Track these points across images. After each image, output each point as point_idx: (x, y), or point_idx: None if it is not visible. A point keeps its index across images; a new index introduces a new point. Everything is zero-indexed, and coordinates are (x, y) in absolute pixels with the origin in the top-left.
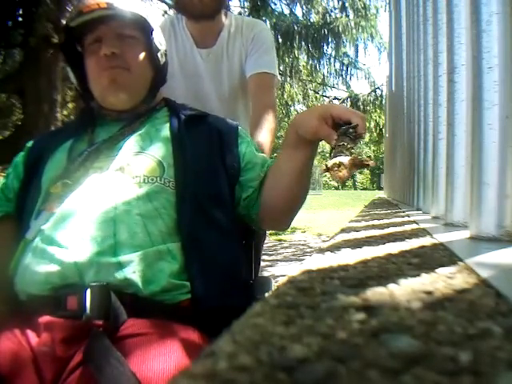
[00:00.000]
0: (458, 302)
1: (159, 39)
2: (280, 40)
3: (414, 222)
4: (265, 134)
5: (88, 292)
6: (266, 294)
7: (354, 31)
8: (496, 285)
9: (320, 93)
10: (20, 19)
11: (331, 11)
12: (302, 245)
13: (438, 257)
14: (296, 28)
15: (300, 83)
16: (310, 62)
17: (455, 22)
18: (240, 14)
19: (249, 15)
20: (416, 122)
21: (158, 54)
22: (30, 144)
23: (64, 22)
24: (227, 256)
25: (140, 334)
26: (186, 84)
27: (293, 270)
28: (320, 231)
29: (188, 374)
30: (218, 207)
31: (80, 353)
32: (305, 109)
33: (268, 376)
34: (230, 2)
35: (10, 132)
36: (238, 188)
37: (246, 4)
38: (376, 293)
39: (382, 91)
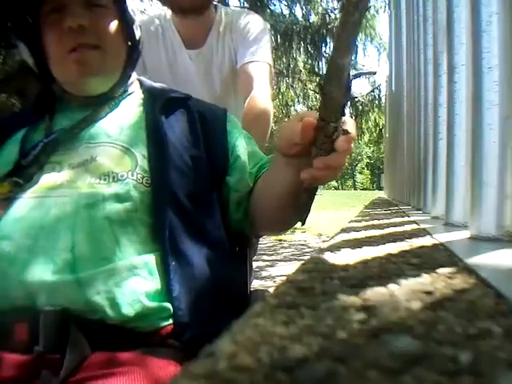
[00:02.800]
0: (458, 302)
1: (132, 8)
2: (279, 40)
3: (414, 222)
4: (255, 125)
5: (41, 319)
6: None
7: None
8: (496, 285)
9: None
10: None
11: (331, 11)
12: (302, 245)
13: (438, 257)
14: (295, 28)
15: (300, 83)
16: (310, 62)
17: (455, 22)
18: None
19: None
20: (416, 122)
21: (134, 27)
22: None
23: None
24: (216, 268)
25: (106, 375)
26: (176, 85)
27: (293, 269)
28: (320, 231)
29: (188, 374)
30: (203, 209)
31: None
32: (305, 109)
33: (268, 376)
34: (230, 2)
35: None
36: (224, 187)
37: (246, 4)
38: (376, 293)
39: (380, 91)
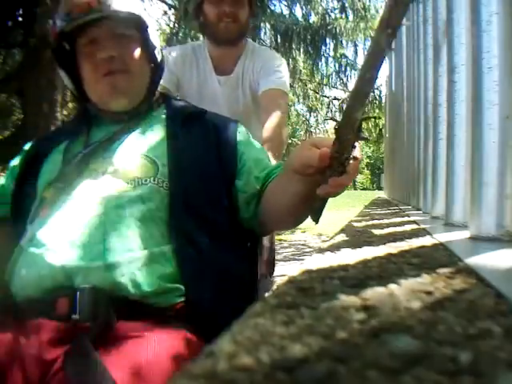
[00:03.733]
0: (458, 302)
1: (154, 36)
2: (279, 40)
3: (414, 222)
4: (270, 141)
5: (77, 295)
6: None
7: (354, 32)
8: (496, 285)
9: (320, 93)
10: (20, 19)
11: (331, 11)
12: (302, 245)
13: (438, 257)
14: (295, 29)
15: (300, 83)
16: (310, 62)
17: (455, 21)
18: None
19: None
20: (416, 122)
21: (155, 52)
22: (27, 146)
23: (52, 22)
24: (223, 259)
25: (129, 337)
26: (202, 105)
27: (293, 269)
28: (320, 231)
29: (188, 374)
30: (213, 209)
31: (70, 357)
32: (305, 109)
33: (268, 376)
34: None
35: (10, 132)
36: (234, 190)
37: None
38: (376, 293)
39: (380, 92)
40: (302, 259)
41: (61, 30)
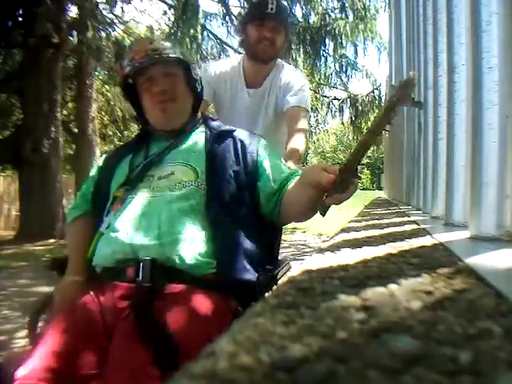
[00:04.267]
0: (458, 302)
1: (195, 72)
2: None
3: (414, 222)
4: (293, 151)
5: (141, 266)
6: (284, 275)
7: (354, 32)
8: (496, 285)
9: (320, 93)
10: (20, 19)
11: (331, 11)
12: (302, 245)
13: (438, 257)
14: (294, 29)
15: None
16: (309, 62)
17: (455, 22)
18: (240, 14)
19: None
20: (416, 122)
21: (196, 84)
22: (102, 158)
23: (120, 66)
24: (245, 242)
25: (175, 295)
26: (233, 113)
27: (293, 269)
28: (320, 231)
29: (188, 374)
30: (239, 205)
31: (134, 310)
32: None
33: (268, 376)
34: (230, 2)
35: (10, 132)
36: (256, 189)
37: (246, 5)
38: (376, 293)
39: (380, 92)
40: (302, 259)
41: (127, 73)
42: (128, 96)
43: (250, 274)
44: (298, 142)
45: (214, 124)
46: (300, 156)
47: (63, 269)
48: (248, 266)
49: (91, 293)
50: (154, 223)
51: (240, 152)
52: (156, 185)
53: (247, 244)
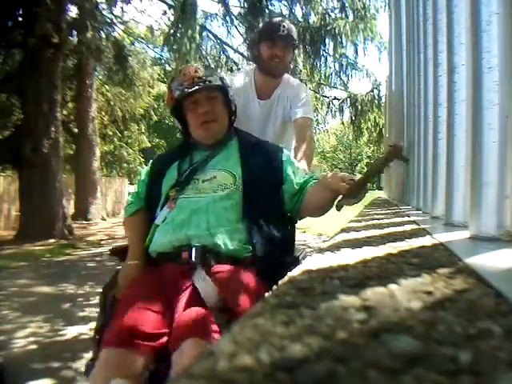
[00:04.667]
0: (458, 302)
1: (231, 94)
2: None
3: (414, 222)
4: (303, 156)
5: (193, 250)
6: (303, 257)
7: (354, 31)
8: (496, 285)
9: (320, 93)
10: (20, 19)
11: (331, 11)
12: (302, 245)
13: (438, 257)
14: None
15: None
16: (309, 62)
17: (455, 22)
18: (240, 14)
19: (246, 16)
20: (416, 122)
21: (232, 105)
22: (151, 162)
23: (170, 90)
24: (273, 232)
25: (221, 273)
26: (246, 122)
27: (293, 269)
28: (320, 231)
29: (188, 374)
30: (267, 203)
31: (189, 281)
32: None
33: (268, 376)
34: (230, 2)
35: (10, 132)
36: (281, 191)
37: (245, 5)
38: (376, 293)
39: (379, 91)
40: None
41: (176, 96)
42: (175, 113)
43: (277, 256)
44: (306, 150)
45: (245, 136)
46: (310, 162)
47: (123, 255)
48: (275, 250)
49: (153, 272)
50: (204, 218)
51: (268, 160)
52: (201, 187)
53: (274, 233)
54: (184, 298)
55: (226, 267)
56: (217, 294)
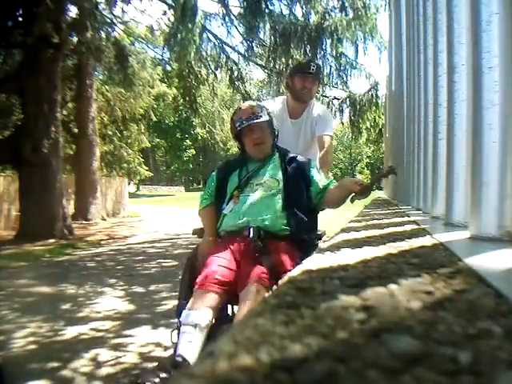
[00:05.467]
0: (458, 302)
1: (274, 122)
2: (278, 40)
3: (414, 222)
4: (326, 165)
5: (251, 229)
6: (324, 236)
7: (353, 31)
8: (496, 285)
9: (320, 93)
10: (20, 19)
11: (331, 11)
12: None
13: (438, 257)
14: (294, 28)
15: None
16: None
17: (455, 22)
18: (240, 14)
19: (245, 16)
20: (416, 122)
21: (275, 131)
22: (217, 171)
23: (233, 122)
24: (304, 218)
25: (271, 245)
26: (282, 135)
27: (293, 269)
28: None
29: (188, 374)
30: (300, 199)
31: (250, 250)
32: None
33: (268, 376)
34: (230, 2)
35: (10, 132)
36: (309, 191)
37: (245, 4)
38: (376, 293)
39: (376, 91)
40: None
41: (238, 127)
42: (236, 137)
43: (307, 235)
44: (327, 160)
45: (284, 151)
46: (329, 169)
47: (200, 234)
48: (304, 231)
49: (220, 246)
50: (258, 209)
51: (299, 169)
52: (255, 188)
53: (304, 219)
54: (246, 259)
55: (273, 241)
56: (268, 257)
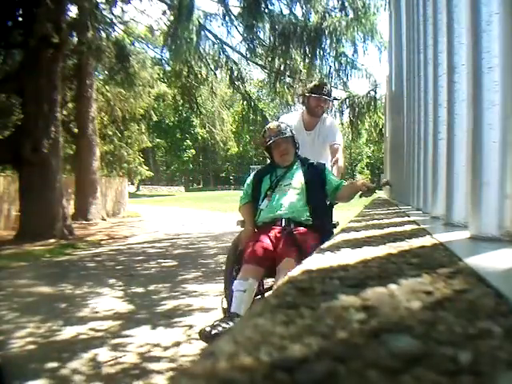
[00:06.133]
0: (458, 302)
1: (296, 137)
2: (277, 40)
3: (414, 222)
4: (339, 168)
5: (283, 220)
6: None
7: (353, 31)
8: (496, 285)
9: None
10: (20, 19)
11: (331, 11)
12: None
13: (438, 257)
14: (293, 28)
15: (300, 83)
16: (308, 61)
17: (455, 22)
18: (240, 14)
19: (244, 16)
20: (416, 122)
21: (297, 144)
22: (253, 176)
23: (264, 138)
24: (322, 211)
25: (298, 230)
26: (299, 145)
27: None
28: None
29: (188, 374)
30: (319, 196)
31: (282, 235)
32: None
33: (268, 376)
34: (230, 2)
35: (10, 132)
36: (325, 190)
37: (244, 4)
38: (376, 293)
39: (375, 92)
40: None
41: (269, 143)
42: (266, 149)
43: (326, 224)
44: (340, 164)
45: (303, 159)
46: (341, 172)
47: (243, 224)
48: (323, 220)
49: (258, 232)
50: (287, 205)
51: (317, 173)
52: (284, 189)
53: (322, 211)
54: (280, 241)
55: (299, 228)
56: (296, 240)
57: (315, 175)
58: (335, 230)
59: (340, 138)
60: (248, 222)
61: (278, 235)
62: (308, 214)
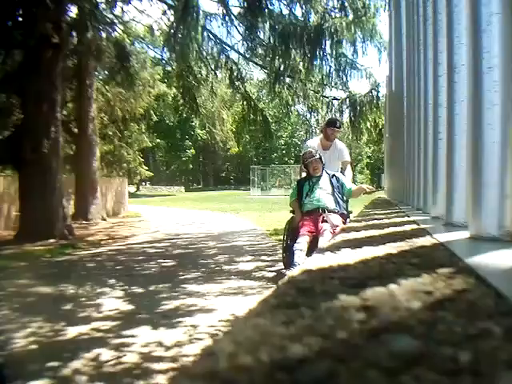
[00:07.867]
0: (458, 302)
1: (323, 158)
2: (277, 40)
3: (414, 222)
4: (348, 177)
5: (320, 209)
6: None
7: (353, 31)
8: (496, 285)
9: (320, 93)
10: (20, 19)
11: (331, 11)
12: None
13: (438, 257)
14: (293, 28)
15: (300, 83)
16: (308, 61)
17: (455, 22)
18: (239, 14)
19: (245, 16)
20: (416, 122)
21: (322, 161)
22: (297, 182)
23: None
24: (343, 204)
25: (330, 215)
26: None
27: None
28: None
29: (188, 374)
30: (340, 195)
31: (321, 218)
32: (305, 109)
33: (268, 376)
34: (230, 2)
35: (9, 132)
36: (342, 194)
37: (245, 4)
38: (376, 293)
39: (377, 92)
40: None
41: (306, 162)
42: (305, 166)
43: (344, 211)
44: (350, 175)
45: (328, 171)
46: (350, 179)
47: (293, 212)
48: (343, 209)
49: (305, 217)
50: (322, 200)
51: (338, 180)
52: (318, 190)
53: (343, 204)
54: (319, 222)
55: (332, 214)
56: (330, 220)
57: (336, 181)
58: (351, 215)
59: (348, 156)
60: (297, 210)
61: (318, 218)
62: (335, 205)
